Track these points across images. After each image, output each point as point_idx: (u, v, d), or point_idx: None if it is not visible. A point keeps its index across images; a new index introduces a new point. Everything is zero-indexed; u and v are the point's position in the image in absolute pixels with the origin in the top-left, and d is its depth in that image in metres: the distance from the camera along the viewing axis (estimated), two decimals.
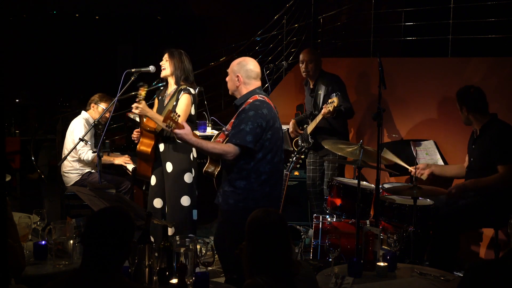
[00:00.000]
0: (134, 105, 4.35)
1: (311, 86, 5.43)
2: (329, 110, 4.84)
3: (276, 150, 3.69)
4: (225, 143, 3.63)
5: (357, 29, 7.34)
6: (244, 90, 3.73)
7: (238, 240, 3.49)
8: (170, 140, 4.46)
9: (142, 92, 4.31)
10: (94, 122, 4.76)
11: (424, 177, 4.53)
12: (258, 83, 3.76)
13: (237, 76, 3.72)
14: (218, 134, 3.94)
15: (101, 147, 4.48)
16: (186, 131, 3.54)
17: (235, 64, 3.76)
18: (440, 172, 4.59)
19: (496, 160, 4.09)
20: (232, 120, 3.72)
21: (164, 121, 3.51)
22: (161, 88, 4.75)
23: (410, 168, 4.60)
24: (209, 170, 3.88)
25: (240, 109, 3.67)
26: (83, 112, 5.43)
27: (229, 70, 3.80)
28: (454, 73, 5.31)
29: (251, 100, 3.66)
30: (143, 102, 4.34)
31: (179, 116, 3.53)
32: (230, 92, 3.84)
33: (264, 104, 3.65)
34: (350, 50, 7.29)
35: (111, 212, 2.36)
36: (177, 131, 3.52)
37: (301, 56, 5.43)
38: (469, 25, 5.69)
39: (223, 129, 3.90)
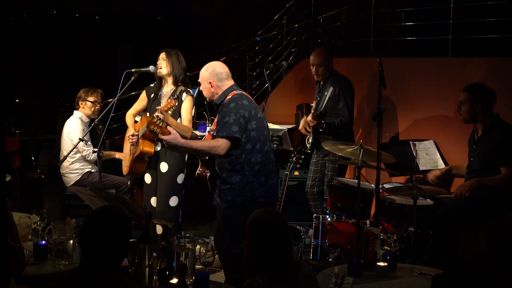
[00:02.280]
0: (162, 115, 4.00)
1: (321, 86, 5.38)
2: (310, 119, 5.00)
3: (264, 140, 3.74)
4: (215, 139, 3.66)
5: (357, 29, 7.34)
6: (220, 92, 3.83)
7: (238, 237, 3.50)
8: None
9: (174, 104, 4.17)
10: (94, 122, 4.75)
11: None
12: (231, 82, 3.86)
13: (210, 82, 3.81)
14: (204, 136, 3.99)
15: (101, 147, 4.49)
16: (173, 136, 3.57)
17: (203, 72, 3.85)
18: (456, 171, 4.54)
19: (500, 162, 4.09)
20: (216, 120, 3.78)
21: (148, 126, 3.52)
22: (151, 85, 4.72)
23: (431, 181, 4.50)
24: (201, 174, 3.90)
25: (221, 106, 3.74)
26: (75, 111, 5.38)
27: (200, 80, 3.87)
28: (454, 73, 5.31)
29: (229, 96, 3.74)
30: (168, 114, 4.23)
31: (162, 120, 3.53)
32: (208, 100, 3.92)
33: (243, 96, 3.74)
34: (350, 50, 7.28)
35: (107, 211, 2.37)
36: (163, 137, 3.54)
37: (311, 59, 5.30)
38: (469, 25, 5.69)
39: (208, 129, 3.94)
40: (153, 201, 4.61)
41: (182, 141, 3.60)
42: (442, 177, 4.48)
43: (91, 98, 5.33)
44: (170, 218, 4.47)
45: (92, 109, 5.33)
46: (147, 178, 4.62)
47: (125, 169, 4.71)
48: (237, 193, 3.66)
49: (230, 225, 3.72)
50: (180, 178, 4.53)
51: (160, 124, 3.50)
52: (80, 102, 5.35)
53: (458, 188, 4.17)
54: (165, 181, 4.50)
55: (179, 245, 2.93)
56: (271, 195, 3.79)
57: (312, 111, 5.01)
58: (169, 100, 4.07)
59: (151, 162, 4.54)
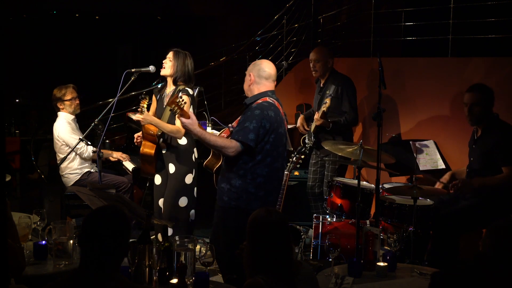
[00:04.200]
0: (136, 117, 4.33)
1: (321, 85, 5.40)
2: (317, 117, 4.91)
3: (277, 156, 3.69)
4: (229, 139, 3.65)
5: (357, 29, 7.34)
6: (256, 90, 3.76)
7: (230, 239, 3.49)
8: (172, 142, 4.47)
9: (144, 104, 4.28)
10: (93, 123, 4.76)
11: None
12: (270, 85, 3.78)
13: (250, 74, 3.78)
14: (223, 130, 3.97)
15: (101, 147, 4.49)
16: (191, 121, 3.52)
17: (251, 65, 3.84)
18: (459, 175, 4.46)
19: (500, 162, 4.09)
20: (239, 118, 3.74)
21: (169, 104, 3.48)
22: (159, 86, 4.74)
23: (439, 184, 4.43)
24: (209, 164, 3.91)
25: (248, 107, 3.70)
26: (59, 113, 5.38)
27: (246, 72, 3.86)
28: (454, 73, 5.31)
29: (260, 101, 3.69)
30: (146, 112, 4.32)
31: (184, 102, 3.50)
32: (246, 93, 3.87)
33: (271, 107, 3.66)
34: (350, 50, 7.29)
35: (106, 211, 2.37)
36: (182, 119, 3.51)
37: (310, 55, 5.39)
38: (469, 25, 5.69)
39: (229, 125, 3.92)
40: (161, 202, 4.61)
41: (198, 129, 3.56)
42: (452, 179, 4.38)
43: (67, 97, 5.33)
44: (179, 218, 4.46)
45: (73, 106, 5.35)
46: (157, 180, 4.62)
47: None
48: (233, 197, 3.64)
49: (224, 226, 3.70)
50: (189, 179, 4.51)
51: (182, 106, 3.46)
52: (58, 104, 5.35)
53: (460, 181, 4.14)
54: (173, 182, 4.50)
55: (179, 245, 2.93)
56: None
57: (324, 109, 4.91)
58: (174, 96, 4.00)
59: (160, 163, 4.54)
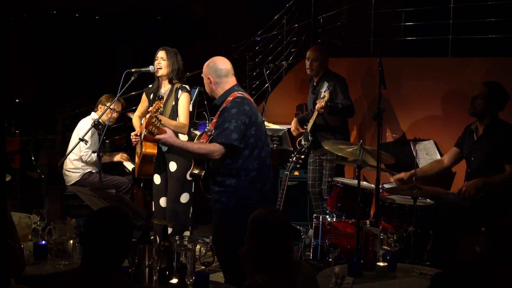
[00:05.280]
0: (157, 115, 4.29)
1: (314, 84, 5.42)
2: (322, 105, 4.92)
3: (262, 145, 3.69)
4: (210, 142, 3.60)
5: (357, 29, 7.34)
6: (220, 90, 3.72)
7: (234, 238, 3.49)
8: None
9: (162, 104, 4.26)
10: (94, 122, 4.77)
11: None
12: (232, 80, 3.74)
13: (208, 78, 3.72)
14: (200, 135, 3.90)
15: (101, 147, 4.50)
16: (167, 135, 3.50)
17: (205, 67, 3.76)
18: (422, 173, 4.46)
19: (504, 160, 4.09)
20: (215, 120, 3.70)
21: (146, 127, 3.48)
22: (150, 86, 4.73)
23: (395, 184, 4.49)
24: (195, 172, 3.80)
25: (222, 108, 3.67)
26: (92, 113, 5.50)
27: (202, 75, 3.80)
28: (454, 73, 5.30)
29: (231, 98, 3.65)
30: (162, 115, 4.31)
31: (160, 120, 3.50)
32: (210, 95, 3.83)
33: (245, 101, 3.64)
34: (350, 50, 7.29)
35: (109, 211, 2.37)
36: (159, 136, 3.49)
37: (308, 53, 5.38)
38: (469, 25, 5.69)
39: (206, 129, 3.88)
40: (162, 201, 4.62)
41: (178, 141, 3.54)
42: (407, 181, 4.37)
43: (109, 104, 5.36)
44: (182, 214, 4.50)
45: (108, 114, 5.35)
46: (156, 179, 4.64)
47: (136, 171, 4.74)
48: (232, 197, 3.63)
49: (226, 227, 3.68)
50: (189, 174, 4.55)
51: (158, 124, 3.46)
52: (99, 106, 5.46)
53: (464, 185, 4.15)
54: (175, 179, 4.53)
55: (179, 245, 2.93)
56: (265, 200, 3.75)
57: (325, 100, 4.88)
58: (156, 101, 4.04)
59: (159, 163, 4.55)
